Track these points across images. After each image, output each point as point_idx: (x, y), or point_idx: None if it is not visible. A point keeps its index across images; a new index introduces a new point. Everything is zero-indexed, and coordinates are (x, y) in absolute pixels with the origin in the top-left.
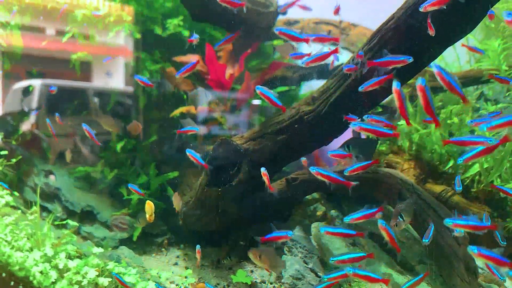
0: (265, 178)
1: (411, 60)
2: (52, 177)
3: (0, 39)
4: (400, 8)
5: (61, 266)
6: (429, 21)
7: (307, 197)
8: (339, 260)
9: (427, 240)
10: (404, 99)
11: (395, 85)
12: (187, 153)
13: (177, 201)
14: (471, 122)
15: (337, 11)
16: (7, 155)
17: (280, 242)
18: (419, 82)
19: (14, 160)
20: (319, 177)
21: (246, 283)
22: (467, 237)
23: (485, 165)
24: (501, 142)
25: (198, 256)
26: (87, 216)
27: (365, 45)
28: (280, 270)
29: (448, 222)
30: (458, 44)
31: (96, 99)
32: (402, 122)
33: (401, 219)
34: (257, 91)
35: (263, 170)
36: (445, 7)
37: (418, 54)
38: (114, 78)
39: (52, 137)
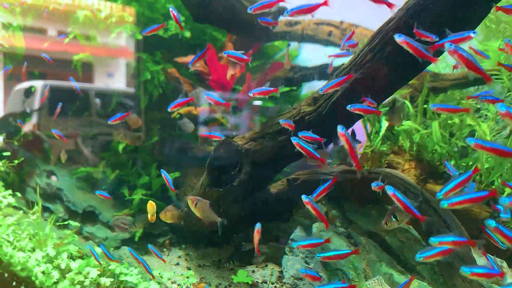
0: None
1: (476, 34)
2: (53, 177)
3: (2, 40)
4: (400, 9)
5: (63, 266)
6: (416, 30)
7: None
8: (325, 256)
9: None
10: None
11: (339, 129)
12: (161, 173)
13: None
14: (433, 106)
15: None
16: (9, 156)
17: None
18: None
19: (16, 162)
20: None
21: (247, 283)
22: (468, 237)
23: (486, 165)
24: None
25: (257, 236)
26: (88, 216)
27: (366, 45)
28: (211, 222)
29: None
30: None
31: (97, 100)
32: (405, 122)
33: (394, 219)
34: (205, 97)
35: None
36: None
37: None
38: (115, 79)
39: (54, 138)
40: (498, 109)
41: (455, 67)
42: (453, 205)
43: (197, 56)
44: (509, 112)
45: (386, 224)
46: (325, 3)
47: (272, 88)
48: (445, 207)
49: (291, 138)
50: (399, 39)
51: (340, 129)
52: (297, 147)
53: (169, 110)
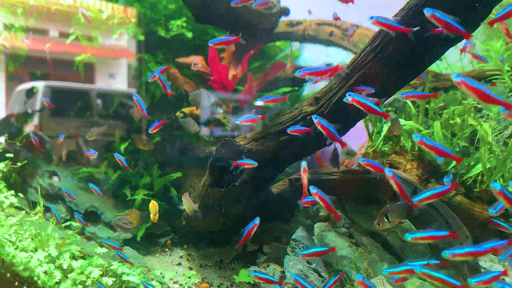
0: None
1: None
2: (55, 178)
3: (4, 42)
4: (402, 9)
5: (65, 266)
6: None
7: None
8: (305, 254)
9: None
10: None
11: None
12: (115, 156)
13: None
14: (402, 94)
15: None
16: (11, 157)
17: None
18: None
19: (19, 164)
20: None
21: (249, 282)
22: (470, 236)
23: (488, 165)
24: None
25: (305, 177)
26: (91, 216)
27: (368, 45)
28: (192, 211)
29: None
30: (460, 45)
31: (99, 101)
32: (406, 122)
33: (386, 220)
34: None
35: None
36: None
37: (421, 54)
38: (117, 80)
39: (56, 139)
40: (454, 79)
41: (462, 50)
42: (417, 239)
43: (157, 71)
44: (464, 81)
45: (378, 224)
46: (336, 68)
47: (259, 116)
48: (409, 240)
49: (313, 116)
50: (427, 13)
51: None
52: (318, 126)
53: (149, 132)
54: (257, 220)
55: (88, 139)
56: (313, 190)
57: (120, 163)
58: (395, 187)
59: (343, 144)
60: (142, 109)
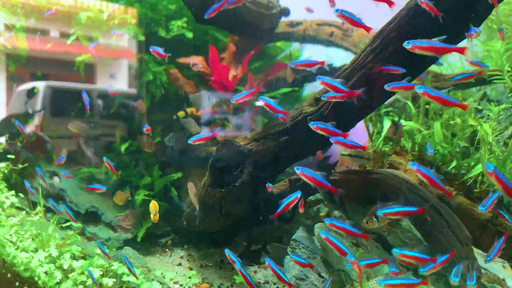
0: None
1: None
2: (56, 178)
3: (5, 42)
4: (402, 9)
5: (65, 267)
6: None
7: (310, 198)
8: (295, 260)
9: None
10: None
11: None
12: (104, 160)
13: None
14: (388, 86)
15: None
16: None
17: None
18: None
19: (20, 166)
20: (304, 178)
21: None
22: (470, 237)
23: None
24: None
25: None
26: (91, 217)
27: (368, 46)
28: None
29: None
30: (460, 44)
31: (99, 101)
32: (406, 122)
33: (375, 219)
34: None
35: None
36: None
37: (421, 55)
38: (117, 80)
39: (56, 139)
40: (405, 46)
41: (469, 36)
42: (403, 256)
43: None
44: (415, 44)
45: (367, 223)
46: (322, 63)
47: (212, 133)
48: (396, 255)
49: (309, 123)
50: None
51: None
52: (318, 131)
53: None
54: (298, 194)
55: (70, 129)
56: (297, 170)
57: (109, 167)
58: (421, 177)
59: (345, 135)
60: (87, 107)
